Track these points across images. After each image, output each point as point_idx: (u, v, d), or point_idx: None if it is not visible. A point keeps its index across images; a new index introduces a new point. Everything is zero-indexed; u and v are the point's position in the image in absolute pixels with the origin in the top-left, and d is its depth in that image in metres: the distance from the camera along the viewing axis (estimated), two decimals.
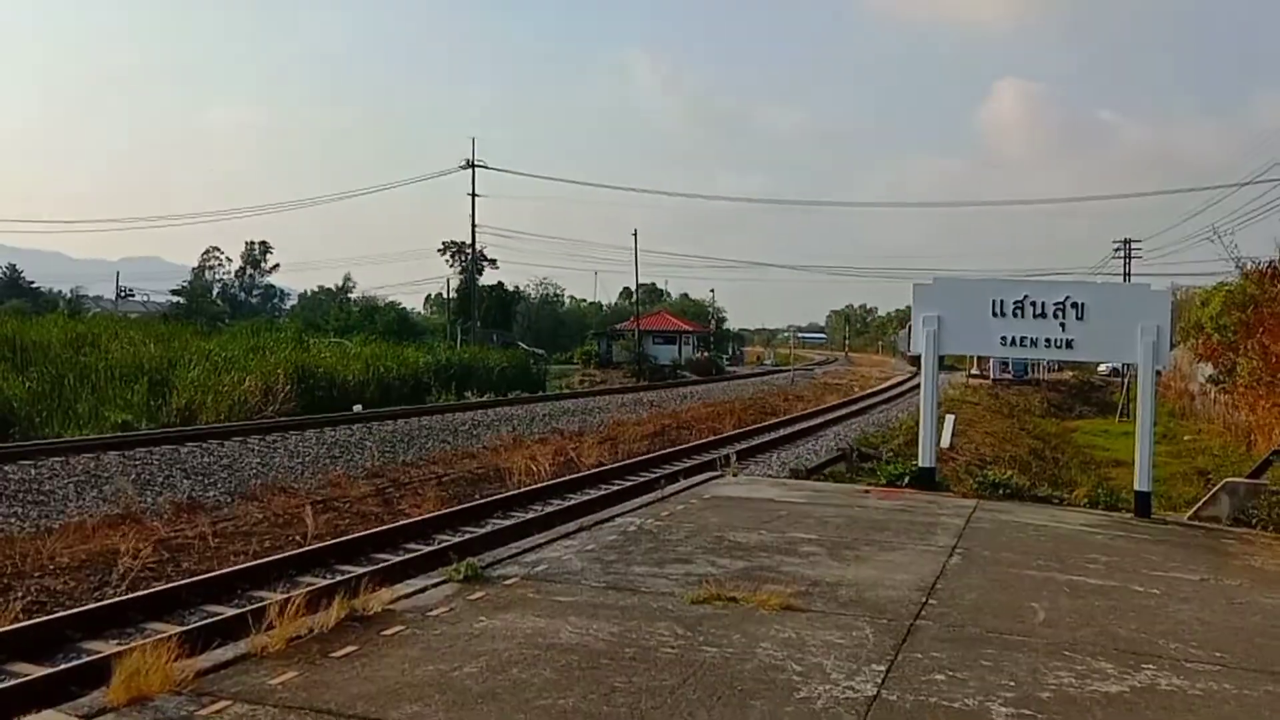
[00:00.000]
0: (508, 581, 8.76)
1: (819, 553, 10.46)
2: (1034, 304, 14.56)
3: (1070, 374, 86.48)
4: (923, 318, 15.08)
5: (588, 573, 9.17)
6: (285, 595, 9.19)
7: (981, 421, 45.42)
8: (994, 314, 14.72)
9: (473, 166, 73.73)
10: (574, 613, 7.84)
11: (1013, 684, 6.61)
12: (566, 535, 10.88)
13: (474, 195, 74.24)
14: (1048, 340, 14.58)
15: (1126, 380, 68.34)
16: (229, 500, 19.41)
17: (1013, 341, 14.74)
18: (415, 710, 5.80)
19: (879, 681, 6.56)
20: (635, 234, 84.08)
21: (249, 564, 13.69)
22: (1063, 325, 14.47)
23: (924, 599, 8.71)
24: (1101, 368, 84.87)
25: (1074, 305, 14.42)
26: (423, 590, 8.38)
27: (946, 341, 15.14)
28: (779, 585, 8.85)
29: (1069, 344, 14.56)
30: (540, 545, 10.32)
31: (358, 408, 37.95)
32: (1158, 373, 14.57)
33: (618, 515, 12.22)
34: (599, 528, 11.37)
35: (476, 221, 75.64)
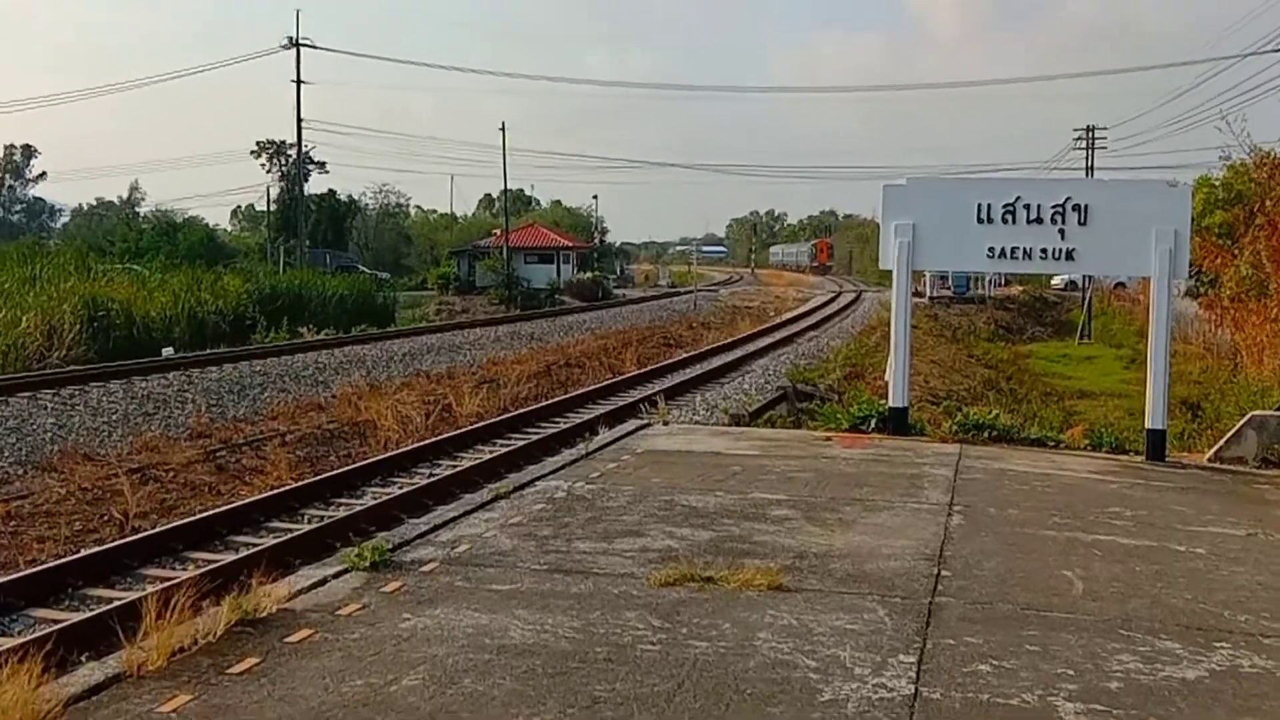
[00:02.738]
0: (425, 567, 8.55)
1: (794, 516, 10.42)
2: (1028, 207, 14.59)
3: (1019, 289, 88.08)
4: (894, 226, 15.02)
5: (522, 552, 9.00)
6: (145, 594, 8.89)
7: (924, 349, 45.98)
8: (979, 220, 14.72)
9: (297, 46, 71.92)
10: (520, 604, 7.67)
11: (1072, 673, 6.61)
12: (482, 506, 10.68)
13: (299, 82, 72.49)
14: (1044, 251, 14.63)
15: (1088, 295, 69.97)
16: (20, 472, 18.87)
17: (1002, 253, 14.77)
18: None
19: (913, 676, 6.51)
20: (504, 127, 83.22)
21: (77, 556, 13.31)
22: (1062, 232, 14.52)
23: (935, 570, 8.71)
24: (1055, 280, 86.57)
25: (1076, 208, 14.47)
26: (322, 583, 8.14)
27: (922, 255, 15.12)
28: (759, 559, 8.78)
29: (1069, 254, 14.63)
30: (453, 520, 10.11)
31: (168, 351, 37.26)
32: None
33: (538, 478, 12.05)
34: (520, 495, 11.20)
35: (302, 115, 73.90)
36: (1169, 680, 6.57)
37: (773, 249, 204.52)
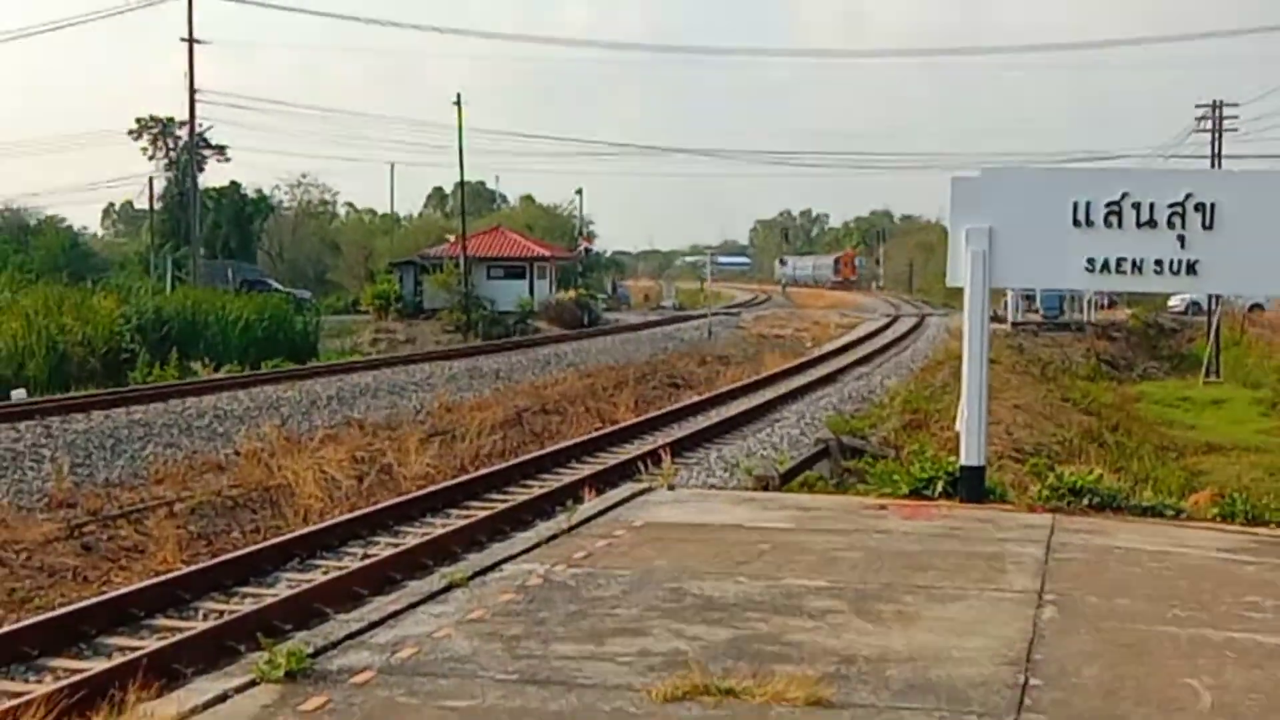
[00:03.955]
0: (358, 677, 8.57)
1: (839, 609, 10.45)
2: (1137, 206, 14.62)
3: (1127, 313, 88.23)
4: (966, 231, 15.01)
5: (484, 657, 9.01)
6: None
7: (1006, 389, 46.19)
8: (1075, 223, 14.74)
9: None
10: None
11: None
12: (432, 597, 10.70)
13: (191, 40, 72.58)
14: (1158, 263, 14.64)
15: (1216, 320, 70.05)
16: None
17: (1104, 266, 14.76)
18: None
19: None
20: (459, 101, 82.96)
21: None
22: (1182, 239, 14.53)
23: (1022, 678, 8.73)
24: (1173, 301, 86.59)
25: (1199, 207, 14.48)
26: (222, 699, 8.14)
27: (1002, 268, 15.08)
28: (793, 665, 8.80)
29: (1192, 268, 14.63)
30: (394, 615, 10.12)
31: (19, 393, 37.33)
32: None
33: (506, 560, 12.07)
34: (481, 582, 11.21)
35: (196, 86, 73.86)
36: None
37: (780, 262, 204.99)
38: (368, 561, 17.79)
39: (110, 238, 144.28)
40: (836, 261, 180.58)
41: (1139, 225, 14.66)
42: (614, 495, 16.00)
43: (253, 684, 8.41)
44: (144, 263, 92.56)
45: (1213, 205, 14.52)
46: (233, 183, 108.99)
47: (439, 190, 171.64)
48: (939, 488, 16.03)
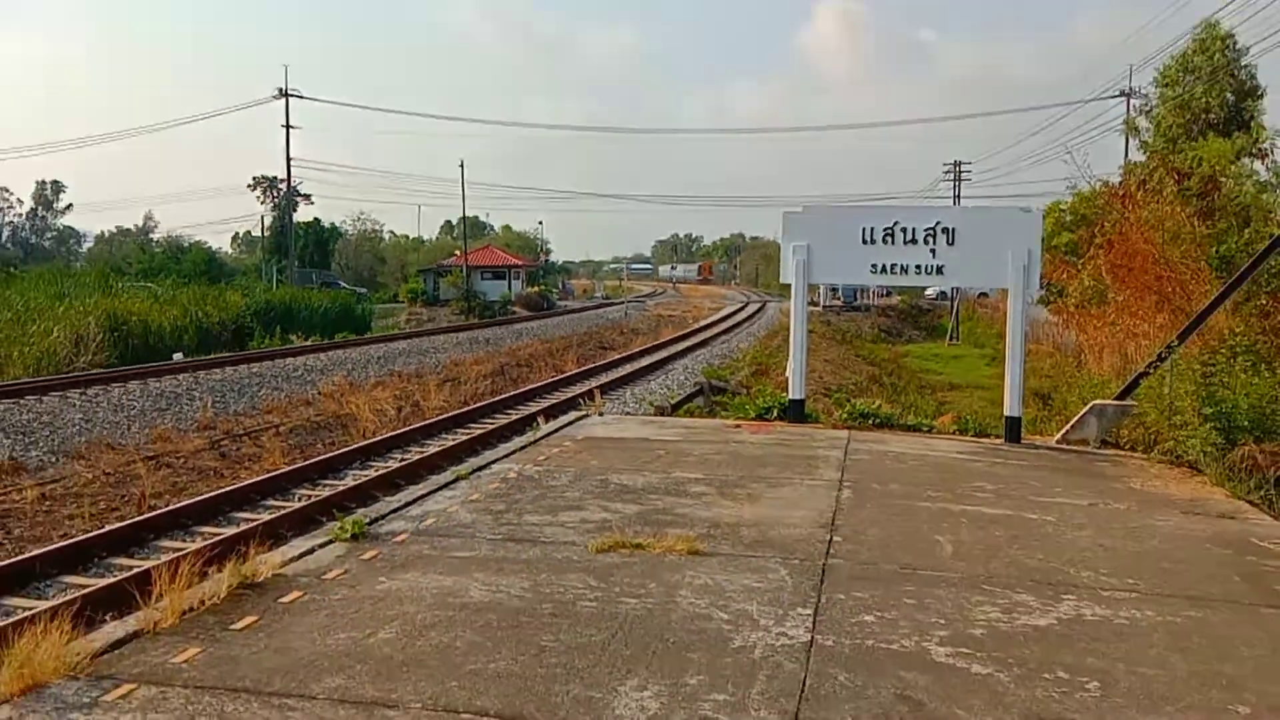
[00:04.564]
0: (398, 538, 8.47)
1: (709, 492, 10.41)
2: (904, 230, 14.64)
3: (898, 299, 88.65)
4: (792, 246, 15.04)
5: (480, 525, 8.93)
6: (158, 563, 8.75)
7: (818, 349, 46.20)
8: (864, 241, 14.75)
9: (286, 96, 71.32)
10: (478, 568, 7.61)
11: (943, 622, 6.65)
12: (445, 486, 10.59)
13: (288, 126, 71.86)
14: (918, 266, 14.69)
15: (956, 304, 70.51)
16: (54, 460, 18.55)
17: (883, 269, 14.82)
18: (339, 683, 5.54)
19: (809, 626, 6.53)
20: (462, 164, 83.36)
21: (101, 531, 13.09)
22: (933, 251, 14.59)
23: (828, 536, 8.73)
24: (929, 291, 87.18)
25: (945, 230, 14.55)
26: (311, 552, 8.04)
27: (816, 270, 15.15)
28: (680, 529, 8.77)
29: (939, 270, 14.69)
30: (421, 497, 10.02)
31: (178, 356, 36.73)
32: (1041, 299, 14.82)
33: (493, 461, 11.96)
34: (477, 476, 11.11)
35: (291, 155, 73.19)
36: (1024, 627, 6.62)
37: (672, 268, 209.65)
38: (404, 462, 17.61)
39: (236, 255, 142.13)
40: (700, 268, 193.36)
41: (906, 242, 14.69)
42: (564, 419, 15.89)
43: (330, 542, 8.31)
44: (258, 271, 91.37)
45: (953, 229, 14.59)
46: (315, 219, 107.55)
47: (448, 222, 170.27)
48: (775, 413, 16.06)
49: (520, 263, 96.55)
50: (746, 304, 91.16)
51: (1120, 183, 27.35)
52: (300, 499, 15.28)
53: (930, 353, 59.88)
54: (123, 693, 5.37)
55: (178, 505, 14.38)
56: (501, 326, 57.68)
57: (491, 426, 21.51)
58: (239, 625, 6.39)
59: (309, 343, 43.29)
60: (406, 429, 20.85)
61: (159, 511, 14.02)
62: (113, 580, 10.91)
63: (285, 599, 6.89)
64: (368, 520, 8.90)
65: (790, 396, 15.94)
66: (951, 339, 66.86)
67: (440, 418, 22.35)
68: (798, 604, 6.95)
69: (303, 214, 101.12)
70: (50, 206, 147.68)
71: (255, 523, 13.28)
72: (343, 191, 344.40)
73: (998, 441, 14.70)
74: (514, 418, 22.55)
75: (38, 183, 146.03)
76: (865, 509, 9.83)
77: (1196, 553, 8.59)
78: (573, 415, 16.40)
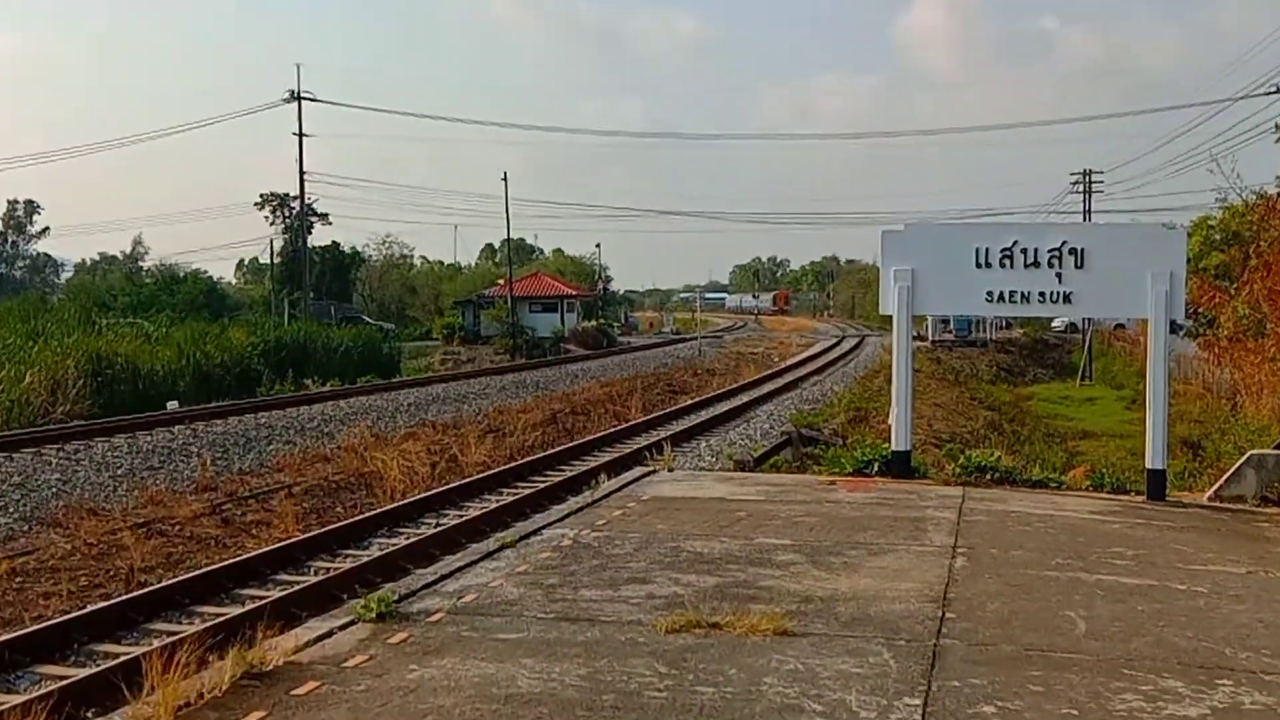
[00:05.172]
0: (432, 617, 8.58)
1: (799, 561, 10.45)
2: (1025, 251, 14.66)
3: (1020, 331, 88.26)
4: (893, 271, 15.09)
5: (529, 601, 9.03)
6: (149, 649, 8.92)
7: (927, 391, 46.18)
8: (978, 264, 14.78)
9: (299, 99, 72.28)
10: (526, 653, 7.70)
11: (1075, 713, 6.65)
12: (488, 555, 10.71)
13: (301, 135, 72.80)
14: (1042, 294, 14.69)
15: (1088, 337, 70.01)
16: (25, 528, 18.89)
17: (1000, 297, 14.82)
18: None
19: (919, 719, 6.54)
20: (505, 177, 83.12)
21: (82, 611, 13.31)
22: (1059, 276, 14.59)
23: (940, 612, 8.74)
24: (1055, 323, 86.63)
25: (1072, 251, 14.55)
26: (329, 635, 8.16)
27: (921, 299, 15.17)
28: (764, 604, 8.81)
29: (1067, 298, 14.68)
30: (459, 570, 10.14)
31: (173, 404, 37.25)
32: (1174, 325, 14.77)
33: (544, 526, 12.08)
34: (525, 543, 11.22)
35: (305, 168, 74.05)
36: (1172, 718, 6.60)
37: (729, 298, 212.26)
38: (438, 529, 17.80)
39: (241, 285, 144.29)
40: (774, 297, 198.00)
41: (1026, 266, 14.70)
42: (627, 476, 15.99)
43: (352, 623, 8.42)
44: (267, 304, 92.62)
45: (1082, 250, 14.59)
46: (334, 242, 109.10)
47: (490, 245, 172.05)
48: (876, 467, 16.05)
49: (575, 292, 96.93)
50: (841, 339, 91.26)
51: (1278, 194, 27.10)
52: (317, 572, 15.49)
53: (1058, 395, 59.59)
54: None
55: (172, 580, 14.60)
56: (553, 367, 58.03)
57: (542, 485, 21.68)
58: None
59: (327, 388, 43.79)
60: (442, 489, 21.04)
61: (150, 588, 14.25)
62: (96, 670, 11.09)
63: (299, 691, 7.01)
64: (396, 597, 9.01)
65: (893, 447, 15.95)
66: (1083, 378, 66.45)
67: (482, 475, 22.53)
68: (904, 693, 6.96)
69: (318, 236, 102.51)
70: (22, 230, 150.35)
71: (263, 601, 13.46)
72: (366, 211, 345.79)
73: (1138, 499, 14.61)
74: (569, 475, 22.71)
75: (9, 202, 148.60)
76: (983, 580, 9.82)
77: None
78: (638, 471, 16.47)
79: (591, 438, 28.77)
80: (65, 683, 10.66)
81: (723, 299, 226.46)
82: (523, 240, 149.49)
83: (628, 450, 25.96)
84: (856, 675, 7.29)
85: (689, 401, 39.46)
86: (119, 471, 23.87)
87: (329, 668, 7.44)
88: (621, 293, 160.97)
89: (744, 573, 10.00)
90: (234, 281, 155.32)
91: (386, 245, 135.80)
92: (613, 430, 30.33)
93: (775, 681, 7.15)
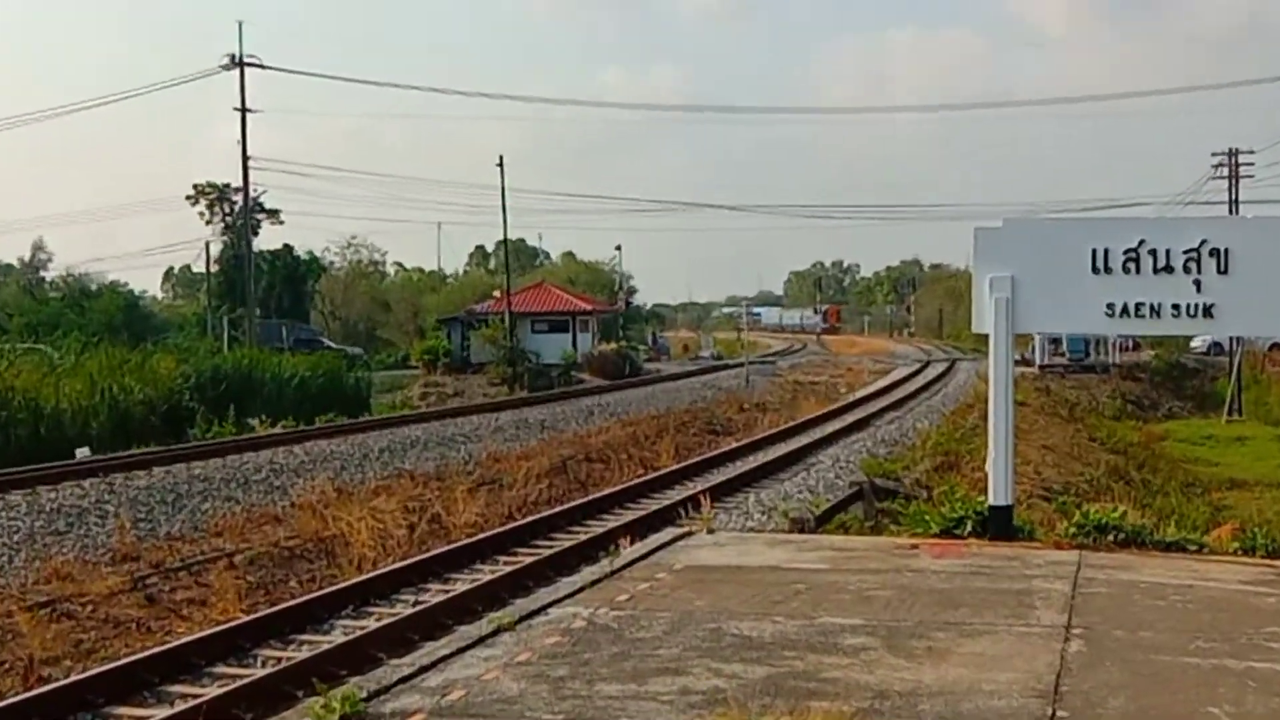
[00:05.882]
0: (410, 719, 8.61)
1: (873, 646, 10.45)
2: (1154, 252, 14.60)
3: (1151, 354, 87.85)
4: (989, 279, 15.01)
5: (531, 699, 9.05)
6: None
7: (1034, 430, 46.08)
8: (1095, 269, 14.73)
9: (240, 64, 71.84)
10: None
11: None
12: (480, 641, 10.74)
13: (244, 110, 72.46)
14: (1176, 307, 14.60)
15: (1237, 360, 69.65)
16: None
17: (1124, 311, 14.73)
18: None
19: None
20: (501, 163, 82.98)
21: None
22: (1198, 283, 14.52)
23: (1049, 710, 8.73)
24: (1196, 342, 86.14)
25: (1215, 252, 14.46)
26: None
27: (1025, 314, 15.06)
28: (828, 701, 8.81)
29: (1208, 311, 14.59)
30: (444, 659, 10.16)
31: (84, 451, 37.34)
32: None
33: (551, 604, 12.10)
34: (527, 625, 11.25)
35: (249, 152, 73.86)
36: None
37: (765, 312, 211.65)
38: (419, 608, 17.81)
39: (169, 300, 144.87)
40: (824, 313, 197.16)
41: (1156, 271, 14.64)
42: (655, 539, 16.00)
43: None
44: (202, 324, 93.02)
45: (1226, 250, 14.50)
46: (286, 245, 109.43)
47: (481, 249, 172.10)
48: (969, 527, 16.00)
49: (590, 307, 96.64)
50: (926, 363, 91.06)
51: None
52: (265, 663, 15.50)
53: (1200, 433, 59.45)
54: None
55: (82, 676, 14.62)
56: (563, 403, 58.05)
57: (548, 552, 21.67)
58: None
59: (277, 430, 43.89)
60: (422, 556, 21.06)
61: (54, 685, 14.29)
62: None
63: None
64: (364, 694, 9.03)
65: (991, 502, 15.89)
66: (1230, 413, 66.23)
67: (473, 540, 22.55)
68: None
69: (268, 239, 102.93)
70: None
71: (197, 701, 13.48)
72: (327, 206, 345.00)
73: None
74: (582, 538, 22.71)
75: None
76: (1104, 668, 9.81)
77: None
78: (669, 533, 16.47)
79: (611, 491, 28.73)
80: None
81: (759, 314, 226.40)
82: (523, 241, 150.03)
83: (656, 506, 25.94)
84: None
85: (734, 444, 39.38)
86: (15, 538, 23.93)
87: None
88: (648, 307, 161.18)
89: (802, 661, 10.00)
90: (160, 296, 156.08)
91: (352, 249, 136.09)
92: (638, 481, 30.31)
93: None
